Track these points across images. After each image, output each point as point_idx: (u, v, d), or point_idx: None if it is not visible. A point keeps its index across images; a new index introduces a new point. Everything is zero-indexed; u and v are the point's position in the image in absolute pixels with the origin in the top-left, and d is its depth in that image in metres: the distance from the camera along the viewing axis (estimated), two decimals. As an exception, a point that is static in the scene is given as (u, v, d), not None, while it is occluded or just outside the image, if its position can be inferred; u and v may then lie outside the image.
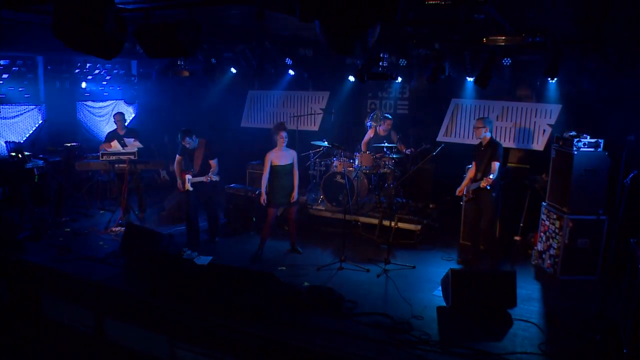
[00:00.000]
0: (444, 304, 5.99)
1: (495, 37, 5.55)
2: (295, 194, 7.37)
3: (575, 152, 6.69)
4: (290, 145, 10.22)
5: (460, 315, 5.69)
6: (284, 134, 7.30)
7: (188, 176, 7.55)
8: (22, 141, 9.83)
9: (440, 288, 6.28)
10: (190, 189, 7.54)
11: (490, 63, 6.77)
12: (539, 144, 8.95)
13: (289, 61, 8.86)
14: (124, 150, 8.22)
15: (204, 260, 7.13)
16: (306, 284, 6.52)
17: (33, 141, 8.61)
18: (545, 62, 7.05)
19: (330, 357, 4.89)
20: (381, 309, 5.88)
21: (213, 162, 7.60)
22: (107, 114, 11.50)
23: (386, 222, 8.36)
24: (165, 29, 4.97)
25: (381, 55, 6.44)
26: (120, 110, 9.67)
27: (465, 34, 6.80)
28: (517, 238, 7.71)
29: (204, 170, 7.57)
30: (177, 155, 7.81)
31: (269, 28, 7.91)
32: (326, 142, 9.31)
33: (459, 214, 8.19)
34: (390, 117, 9.23)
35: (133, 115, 12.10)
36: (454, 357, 4.92)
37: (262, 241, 7.52)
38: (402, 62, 7.88)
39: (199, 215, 7.93)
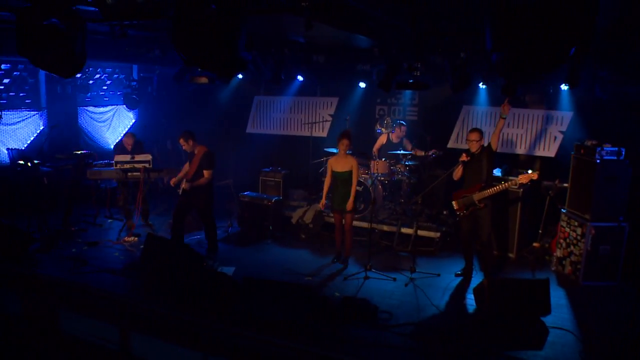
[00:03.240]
0: (477, 312, 6.01)
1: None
2: (350, 202, 7.24)
3: (598, 161, 6.80)
4: (304, 152, 10.26)
5: (497, 324, 5.70)
6: (344, 141, 7.25)
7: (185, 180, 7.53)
8: (23, 148, 9.54)
9: (471, 296, 6.30)
10: (180, 191, 7.49)
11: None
12: (550, 151, 9.07)
13: (303, 67, 8.79)
14: (137, 159, 8.02)
15: (227, 270, 7.01)
16: (337, 294, 6.47)
17: (40, 148, 8.31)
18: (566, 70, 7.13)
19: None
20: (416, 319, 5.87)
21: (207, 172, 7.36)
22: (108, 119, 11.24)
23: (404, 230, 8.38)
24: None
25: (415, 65, 6.43)
26: (130, 131, 9.47)
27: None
28: (535, 245, 7.78)
29: (197, 178, 7.40)
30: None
31: (286, 35, 7.85)
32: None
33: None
34: (405, 123, 9.24)
35: (133, 120, 11.84)
36: (502, 367, 4.94)
37: (339, 247, 7.63)
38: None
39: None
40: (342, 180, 7.28)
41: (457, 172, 6.90)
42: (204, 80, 7.43)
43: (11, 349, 6.78)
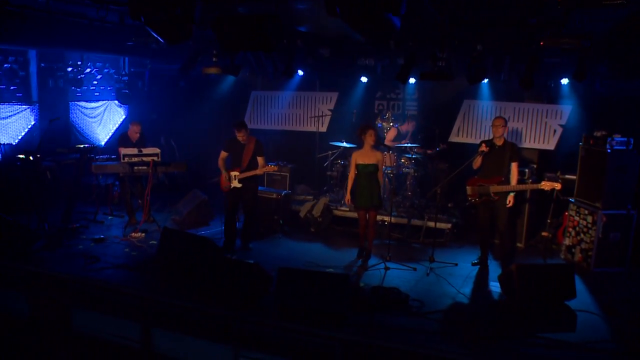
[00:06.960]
0: (502, 299, 6.11)
1: (557, 40, 5.72)
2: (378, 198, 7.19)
3: (609, 151, 7.02)
4: (306, 147, 10.15)
5: (527, 308, 5.79)
6: (371, 131, 7.14)
7: (234, 173, 7.35)
8: (14, 143, 9.12)
9: (494, 283, 6.41)
10: (239, 185, 7.35)
11: (534, 65, 6.97)
12: (549, 144, 9.31)
13: (307, 61, 8.72)
14: (145, 152, 7.79)
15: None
16: (362, 284, 6.46)
17: (39, 143, 7.90)
18: (574, 64, 7.33)
19: (430, 357, 4.85)
20: (446, 306, 5.93)
21: (261, 159, 7.44)
22: (99, 114, 10.87)
23: (414, 222, 8.45)
24: (252, 21, 4.76)
25: (440, 55, 6.48)
26: (134, 120, 9.12)
27: (505, 36, 7.00)
28: (544, 234, 7.95)
29: (252, 166, 7.40)
30: (222, 152, 7.55)
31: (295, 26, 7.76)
32: (344, 143, 9.29)
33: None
34: (414, 119, 9.35)
35: (124, 117, 11.49)
36: (542, 348, 5.02)
37: (362, 243, 7.47)
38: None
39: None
40: (366, 174, 7.09)
41: (477, 162, 6.99)
42: (216, 70, 7.27)
43: (20, 354, 6.47)
